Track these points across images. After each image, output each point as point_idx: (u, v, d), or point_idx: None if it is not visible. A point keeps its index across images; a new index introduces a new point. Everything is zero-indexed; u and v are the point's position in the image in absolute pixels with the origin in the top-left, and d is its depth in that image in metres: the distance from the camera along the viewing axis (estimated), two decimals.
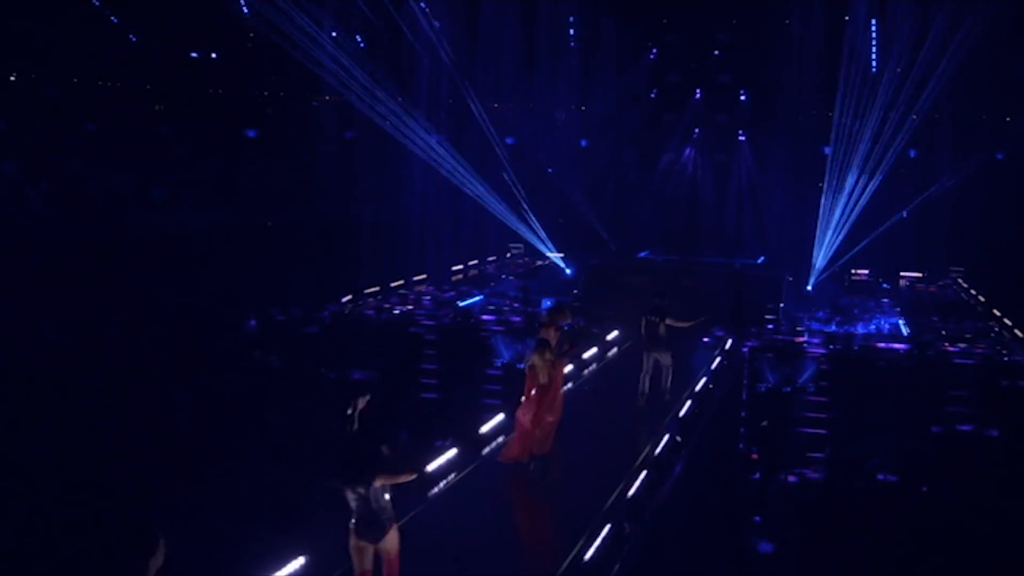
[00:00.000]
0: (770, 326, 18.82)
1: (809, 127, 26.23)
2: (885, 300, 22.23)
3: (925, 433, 13.39)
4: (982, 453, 12.80)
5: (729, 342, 15.87)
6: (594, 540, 7.50)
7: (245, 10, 21.14)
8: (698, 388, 12.61)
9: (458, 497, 8.65)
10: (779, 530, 10.22)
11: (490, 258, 27.77)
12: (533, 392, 9.19)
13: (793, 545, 9.87)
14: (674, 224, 28.13)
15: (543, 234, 25.56)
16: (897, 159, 23.31)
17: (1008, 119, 24.39)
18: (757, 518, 10.81)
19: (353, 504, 6.03)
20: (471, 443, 9.74)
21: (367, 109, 21.20)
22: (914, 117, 22.72)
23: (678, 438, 10.38)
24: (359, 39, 22.58)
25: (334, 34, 21.36)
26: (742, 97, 27.83)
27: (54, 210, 18.25)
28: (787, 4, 24.92)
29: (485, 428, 10.20)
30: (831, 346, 16.54)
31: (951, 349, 16.78)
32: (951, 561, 9.20)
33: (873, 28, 23.63)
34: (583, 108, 29.33)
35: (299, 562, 6.55)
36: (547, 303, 19.25)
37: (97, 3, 21.76)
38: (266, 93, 26.35)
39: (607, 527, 7.69)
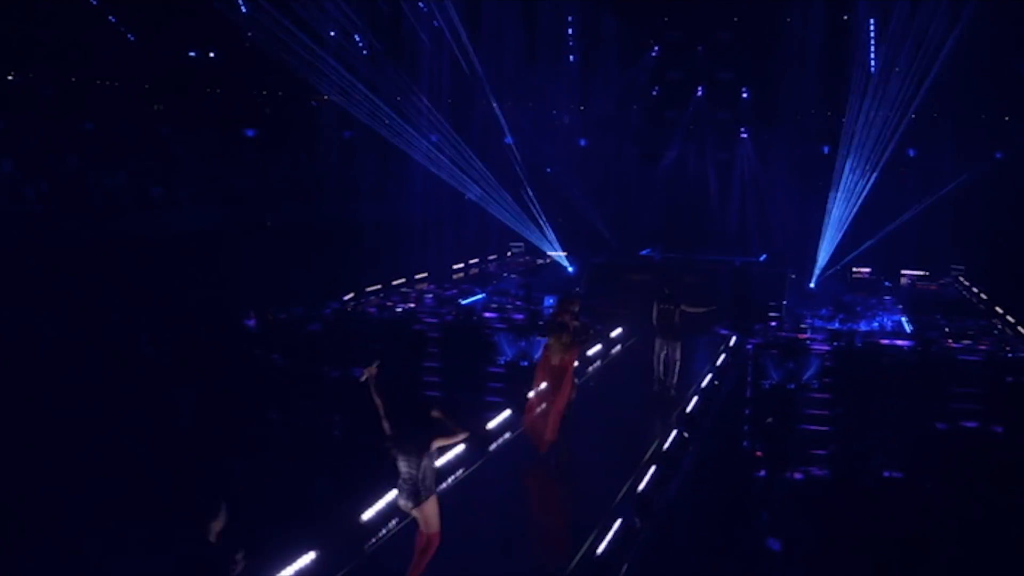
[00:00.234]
0: (774, 323, 18.80)
1: (811, 124, 26.23)
2: (888, 297, 22.21)
3: (929, 430, 13.40)
4: (986, 449, 12.81)
5: (733, 339, 15.84)
6: (605, 535, 7.46)
7: (243, 9, 21.05)
8: (704, 384, 12.59)
9: (467, 492, 8.60)
10: (785, 527, 10.21)
11: (491, 256, 27.75)
12: (551, 379, 9.14)
13: (799, 541, 9.86)
14: (676, 222, 28.04)
15: (550, 232, 25.50)
16: (897, 159, 23.32)
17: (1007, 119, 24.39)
18: (764, 515, 10.81)
19: (402, 468, 6.39)
20: (478, 439, 9.65)
21: (367, 109, 21.14)
22: (913, 117, 22.69)
23: (686, 434, 10.34)
24: (358, 40, 22.49)
25: (332, 34, 21.29)
26: (744, 95, 27.79)
27: (52, 209, 18.11)
28: (787, 2, 24.93)
29: (492, 424, 10.14)
30: (835, 343, 16.49)
31: (954, 346, 16.75)
32: (956, 557, 9.19)
33: (871, 27, 23.63)
34: (582, 108, 29.28)
35: (309, 557, 6.49)
36: (549, 300, 19.24)
37: (95, 2, 21.66)
38: (265, 93, 26.25)
39: (618, 522, 7.65)
